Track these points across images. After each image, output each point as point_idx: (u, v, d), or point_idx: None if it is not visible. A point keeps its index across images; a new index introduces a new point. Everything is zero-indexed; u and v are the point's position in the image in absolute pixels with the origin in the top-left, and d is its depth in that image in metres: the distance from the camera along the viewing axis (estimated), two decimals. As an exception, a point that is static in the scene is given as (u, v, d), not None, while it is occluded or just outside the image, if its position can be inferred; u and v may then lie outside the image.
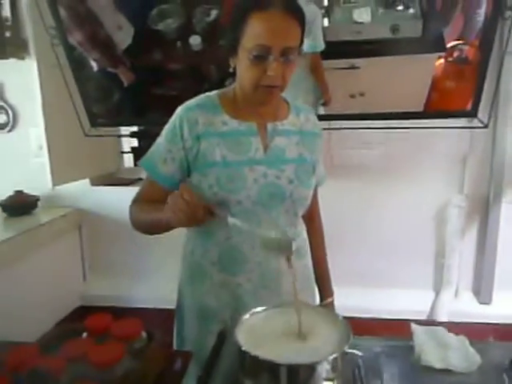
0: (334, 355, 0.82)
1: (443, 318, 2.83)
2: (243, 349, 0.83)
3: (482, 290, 2.85)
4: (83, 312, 2.96)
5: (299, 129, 1.28)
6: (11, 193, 2.86)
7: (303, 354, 0.84)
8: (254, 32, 1.08)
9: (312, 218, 1.42)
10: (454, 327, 2.88)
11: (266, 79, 1.10)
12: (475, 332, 2.56)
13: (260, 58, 1.08)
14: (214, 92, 1.26)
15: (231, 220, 1.07)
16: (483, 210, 2.77)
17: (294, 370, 0.80)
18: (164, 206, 1.08)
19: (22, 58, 2.76)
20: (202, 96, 1.25)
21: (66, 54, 2.45)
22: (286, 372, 0.80)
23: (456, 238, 2.79)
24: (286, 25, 1.08)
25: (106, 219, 3.07)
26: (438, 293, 2.89)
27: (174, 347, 1.38)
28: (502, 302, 2.81)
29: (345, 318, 0.93)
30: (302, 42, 1.14)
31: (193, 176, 1.21)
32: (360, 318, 2.78)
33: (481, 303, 2.85)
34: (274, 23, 1.07)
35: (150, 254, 2.97)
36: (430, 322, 2.81)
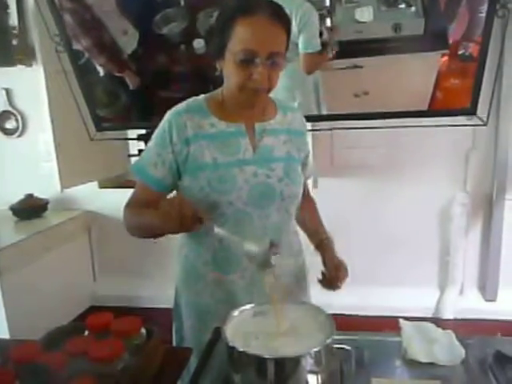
0: (317, 348, 0.85)
1: (449, 316, 2.84)
2: (231, 344, 0.87)
3: (487, 287, 2.85)
4: (94, 312, 3.00)
5: (287, 127, 1.31)
6: (22, 197, 2.94)
7: (288, 348, 0.87)
8: (241, 37, 1.10)
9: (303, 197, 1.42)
10: (460, 324, 2.87)
11: (253, 82, 1.13)
12: (481, 329, 2.59)
13: (246, 61, 1.11)
14: (202, 96, 1.29)
15: (217, 230, 1.11)
16: (487, 208, 2.77)
17: (278, 363, 0.84)
18: (156, 210, 1.12)
19: (30, 65, 2.83)
20: (189, 100, 1.28)
21: (71, 60, 2.49)
22: (270, 365, 0.83)
23: (460, 236, 2.80)
24: (271, 30, 1.11)
25: (114, 221, 3.09)
26: (443, 290, 2.90)
27: (174, 345, 1.42)
28: (507, 298, 2.81)
29: (330, 314, 0.96)
30: (287, 47, 1.17)
31: (183, 179, 1.23)
32: (365, 316, 2.81)
33: (486, 300, 2.86)
34: (260, 29, 1.10)
35: (158, 254, 3.00)
36: (435, 320, 2.82)
